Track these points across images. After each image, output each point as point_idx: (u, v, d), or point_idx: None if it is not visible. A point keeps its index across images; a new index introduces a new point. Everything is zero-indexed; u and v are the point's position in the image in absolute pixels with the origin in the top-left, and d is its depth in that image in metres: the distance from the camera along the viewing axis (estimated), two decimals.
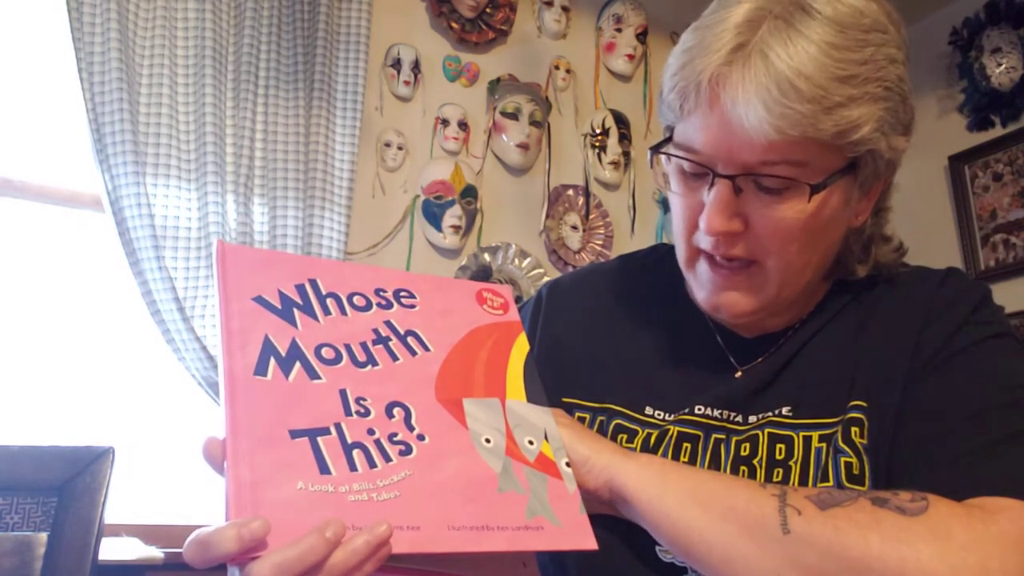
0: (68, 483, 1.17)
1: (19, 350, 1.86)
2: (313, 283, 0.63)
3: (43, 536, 1.14)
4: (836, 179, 0.67)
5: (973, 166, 2.82)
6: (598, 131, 2.60)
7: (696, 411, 0.74)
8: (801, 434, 0.71)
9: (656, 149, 0.73)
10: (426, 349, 0.64)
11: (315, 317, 0.61)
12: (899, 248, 0.80)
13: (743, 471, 0.71)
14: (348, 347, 0.61)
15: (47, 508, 1.16)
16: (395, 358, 0.62)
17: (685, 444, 0.73)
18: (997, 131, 2.78)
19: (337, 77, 2.11)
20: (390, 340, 0.63)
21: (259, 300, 0.60)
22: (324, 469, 0.54)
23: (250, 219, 1.93)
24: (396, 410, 0.59)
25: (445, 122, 2.36)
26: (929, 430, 0.66)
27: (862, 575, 0.55)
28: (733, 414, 0.74)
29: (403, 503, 0.55)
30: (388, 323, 0.64)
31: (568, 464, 0.63)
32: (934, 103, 3.01)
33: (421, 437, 0.59)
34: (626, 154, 2.63)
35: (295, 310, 0.61)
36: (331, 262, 0.65)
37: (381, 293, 0.66)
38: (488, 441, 0.61)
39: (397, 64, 2.31)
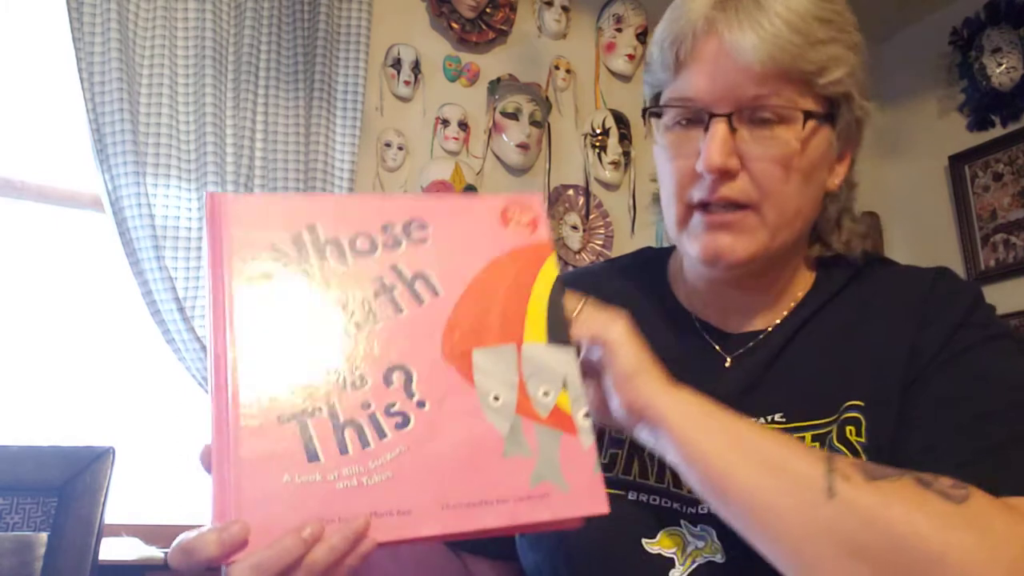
0: (68, 483, 1.17)
1: (19, 350, 1.86)
2: (311, 229, 0.59)
3: (43, 536, 1.14)
4: (821, 119, 0.72)
5: (973, 166, 2.83)
6: (598, 131, 2.60)
7: None
8: (794, 436, 0.71)
9: (651, 108, 0.76)
10: (435, 294, 0.59)
11: (312, 276, 0.58)
12: (866, 235, 0.82)
13: None
14: (347, 306, 0.58)
15: (47, 508, 1.16)
16: (399, 310, 0.58)
17: None
18: (997, 131, 2.78)
19: (337, 77, 2.11)
20: (395, 289, 0.59)
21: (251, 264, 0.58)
22: (312, 456, 0.53)
23: None
24: (396, 375, 0.56)
25: (445, 122, 2.36)
26: (937, 431, 0.66)
27: (900, 552, 0.55)
28: None
29: (395, 484, 0.53)
30: (394, 268, 0.59)
31: (587, 415, 0.59)
32: (934, 103, 3.01)
33: (421, 404, 0.56)
34: (626, 154, 2.63)
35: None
36: (333, 198, 0.61)
37: (389, 230, 0.60)
38: (497, 399, 0.57)
39: (397, 64, 2.31)
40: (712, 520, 0.69)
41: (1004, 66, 2.74)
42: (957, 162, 2.86)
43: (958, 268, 2.75)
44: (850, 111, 0.74)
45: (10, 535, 1.12)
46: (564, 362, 0.60)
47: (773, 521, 0.58)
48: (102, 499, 1.18)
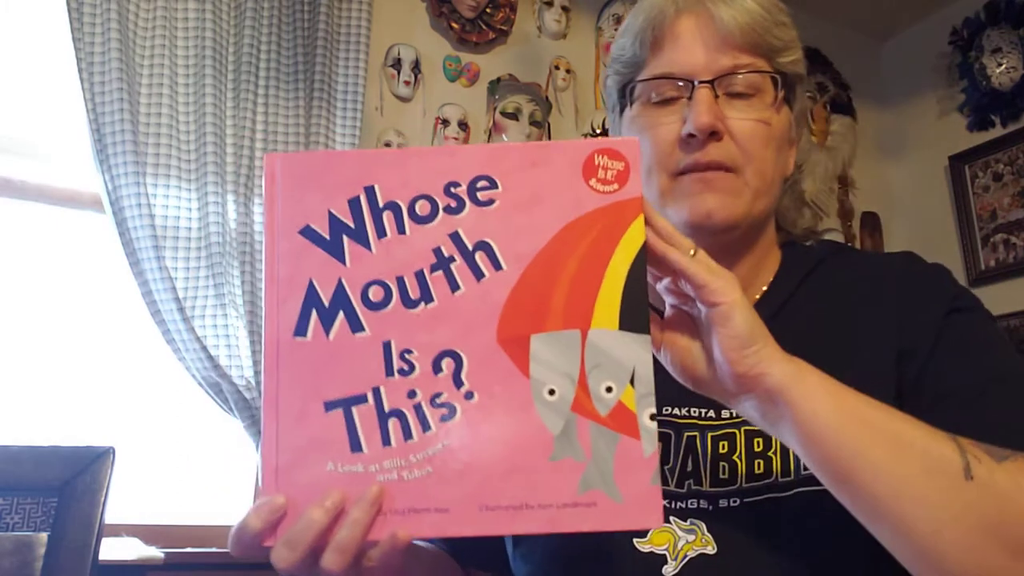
0: (68, 483, 1.17)
1: (19, 350, 1.86)
2: (370, 191, 0.56)
3: (43, 536, 1.14)
4: (786, 92, 0.78)
5: (973, 166, 2.83)
6: (598, 131, 2.60)
7: (663, 412, 0.74)
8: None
9: (636, 81, 0.78)
10: (497, 268, 0.54)
11: (367, 244, 0.55)
12: (816, 227, 0.87)
13: (723, 466, 0.71)
14: (400, 280, 0.54)
15: (47, 508, 1.16)
16: (455, 287, 0.54)
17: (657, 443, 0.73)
18: (997, 131, 2.78)
19: (337, 77, 2.11)
20: (453, 261, 0.54)
21: (307, 232, 0.56)
22: (356, 446, 0.53)
23: (250, 219, 1.93)
24: (445, 361, 0.53)
25: (445, 122, 2.36)
26: (958, 400, 0.66)
27: None
28: (704, 410, 0.74)
29: (434, 481, 0.52)
30: (455, 236, 0.55)
31: (653, 416, 0.53)
32: (934, 103, 3.01)
33: (469, 395, 0.53)
34: None
35: (345, 238, 0.55)
36: (396, 154, 0.56)
37: (452, 189, 0.55)
38: (552, 393, 0.53)
39: (397, 64, 2.31)
40: (701, 514, 0.70)
41: (1004, 66, 2.74)
42: (957, 162, 2.86)
43: (958, 268, 2.75)
44: (801, 97, 0.80)
45: (10, 535, 1.12)
46: (635, 353, 0.54)
47: (909, 506, 0.55)
48: (102, 499, 1.18)
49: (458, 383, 0.53)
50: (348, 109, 2.10)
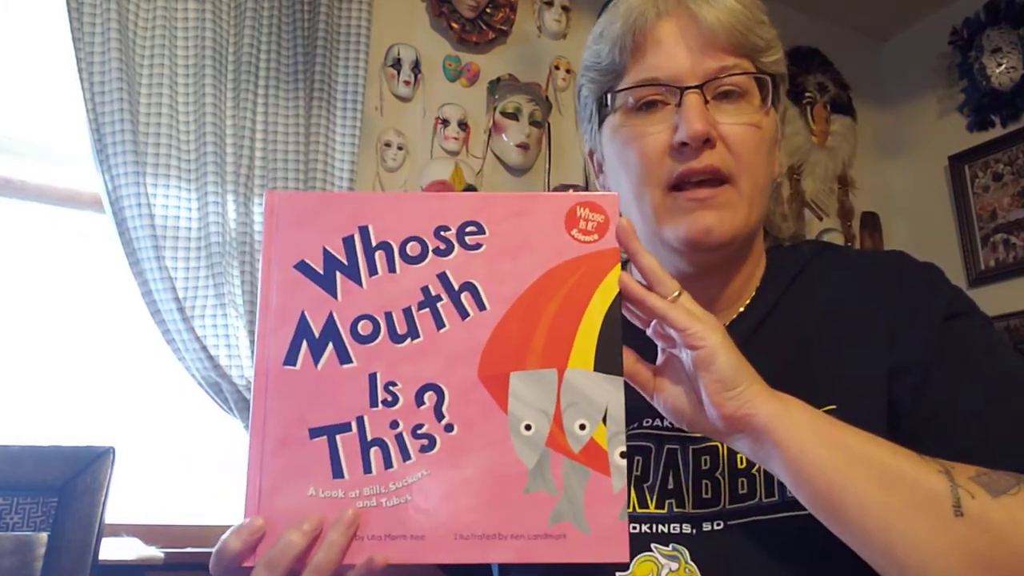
0: (68, 483, 1.17)
1: (19, 350, 1.86)
2: (364, 231, 0.58)
3: (43, 536, 1.14)
4: (771, 92, 0.75)
5: (973, 166, 2.83)
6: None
7: (644, 424, 0.73)
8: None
9: (618, 90, 0.75)
10: (481, 308, 0.57)
11: (358, 280, 0.58)
12: (800, 225, 0.85)
13: (705, 484, 0.70)
14: (389, 316, 0.57)
15: (47, 508, 1.16)
16: (440, 325, 0.57)
17: (636, 457, 0.72)
18: (997, 131, 2.78)
19: (337, 77, 2.11)
20: (439, 300, 0.57)
21: (301, 267, 0.58)
22: (338, 472, 0.55)
23: (250, 219, 1.93)
24: (428, 395, 0.56)
25: (445, 122, 2.36)
26: (963, 418, 0.65)
27: None
28: None
29: (412, 509, 0.54)
30: (442, 276, 0.58)
31: (623, 455, 0.56)
32: (934, 103, 3.01)
33: (449, 427, 0.56)
34: None
35: (338, 274, 0.58)
36: (390, 197, 0.62)
37: (442, 233, 0.58)
38: (528, 428, 0.56)
39: (397, 64, 2.31)
40: (684, 539, 0.68)
41: (1004, 66, 2.74)
42: (957, 162, 2.86)
43: (958, 268, 2.75)
44: (783, 97, 0.79)
45: (10, 535, 1.12)
46: (609, 393, 0.57)
47: (898, 540, 0.56)
48: (102, 499, 1.18)
49: (439, 416, 0.56)
50: (348, 109, 2.10)
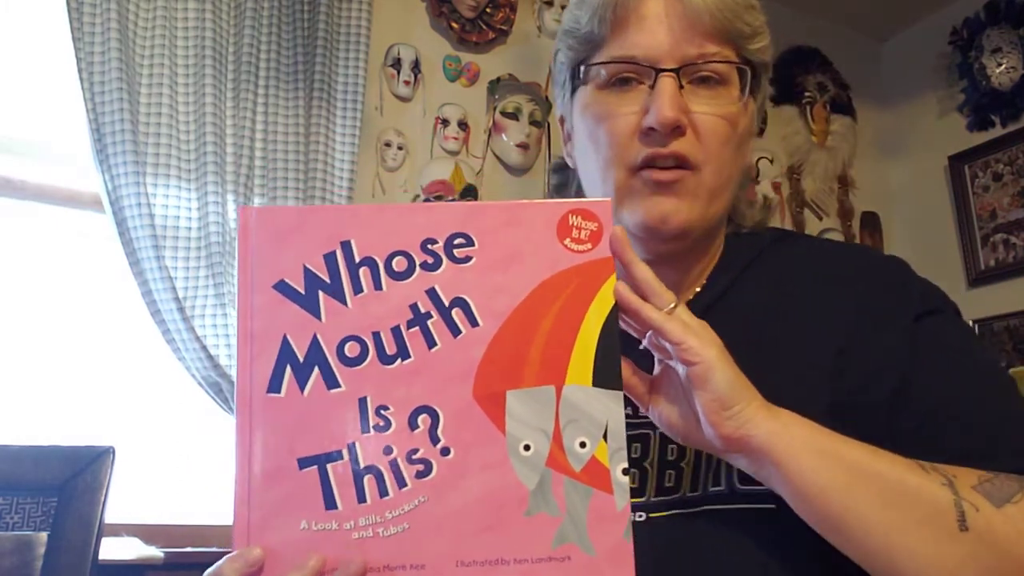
0: (68, 483, 1.17)
1: (19, 350, 1.86)
2: (346, 247, 0.55)
3: (43, 536, 1.14)
4: (752, 83, 0.73)
5: (973, 166, 2.82)
6: None
7: None
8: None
9: (591, 64, 0.72)
10: (473, 324, 0.55)
11: (343, 299, 0.55)
12: (765, 213, 0.83)
13: (633, 474, 0.67)
14: (377, 336, 0.54)
15: (47, 508, 1.16)
16: (432, 344, 0.54)
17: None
18: (997, 131, 2.78)
19: (337, 77, 2.11)
20: (429, 318, 0.55)
21: (281, 287, 0.55)
22: (330, 503, 0.53)
23: None
24: (422, 418, 0.54)
25: (445, 122, 2.36)
26: (948, 417, 0.64)
27: None
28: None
29: (410, 537, 0.52)
30: (431, 292, 0.55)
31: (626, 471, 0.54)
32: (934, 103, 3.01)
33: (445, 451, 0.53)
34: None
35: (320, 293, 0.55)
36: (372, 209, 0.56)
37: (429, 246, 0.56)
38: (527, 448, 0.54)
39: (397, 64, 2.31)
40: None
41: (1004, 66, 2.74)
42: (957, 162, 2.86)
43: (958, 268, 2.75)
44: (765, 85, 0.77)
45: (10, 535, 1.12)
46: (608, 409, 0.55)
47: (903, 557, 0.55)
48: (102, 499, 1.18)
49: (434, 439, 0.53)
50: (348, 109, 2.10)
